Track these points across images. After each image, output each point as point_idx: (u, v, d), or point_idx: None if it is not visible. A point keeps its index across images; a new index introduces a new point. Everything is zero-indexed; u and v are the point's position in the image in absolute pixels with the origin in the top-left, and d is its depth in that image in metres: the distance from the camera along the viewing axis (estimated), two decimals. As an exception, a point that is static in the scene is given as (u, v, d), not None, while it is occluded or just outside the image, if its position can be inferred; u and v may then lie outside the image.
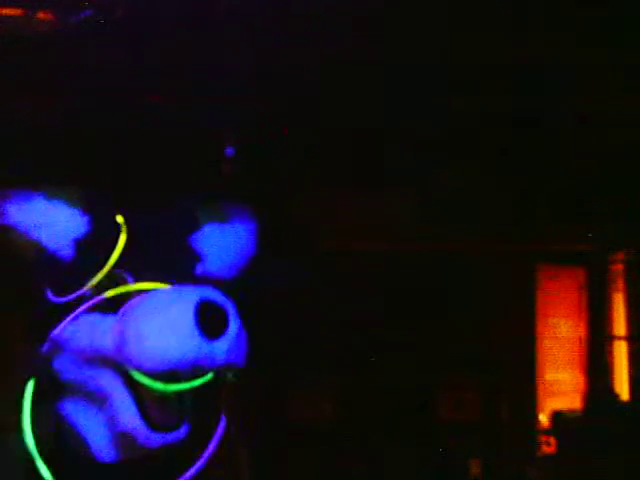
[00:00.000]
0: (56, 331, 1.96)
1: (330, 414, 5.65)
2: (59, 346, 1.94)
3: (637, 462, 5.10)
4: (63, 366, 1.96)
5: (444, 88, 3.67)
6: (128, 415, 1.89)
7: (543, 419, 6.02)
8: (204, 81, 3.38)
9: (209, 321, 1.83)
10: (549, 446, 5.86)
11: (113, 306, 1.94)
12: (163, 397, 1.90)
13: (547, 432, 5.95)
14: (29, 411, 1.95)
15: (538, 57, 3.45)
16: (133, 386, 1.90)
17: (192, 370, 1.83)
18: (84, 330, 1.92)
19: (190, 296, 1.84)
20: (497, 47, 3.38)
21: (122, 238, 2.00)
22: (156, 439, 1.90)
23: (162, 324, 1.81)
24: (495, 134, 4.54)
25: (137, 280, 1.96)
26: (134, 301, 1.90)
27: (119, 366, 1.89)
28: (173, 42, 3.15)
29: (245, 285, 1.99)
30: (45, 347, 1.97)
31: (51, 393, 1.99)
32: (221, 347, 1.84)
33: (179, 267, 2.06)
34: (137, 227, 2.03)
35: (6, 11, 2.98)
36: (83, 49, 3.06)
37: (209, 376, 1.93)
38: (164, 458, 2.00)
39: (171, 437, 1.92)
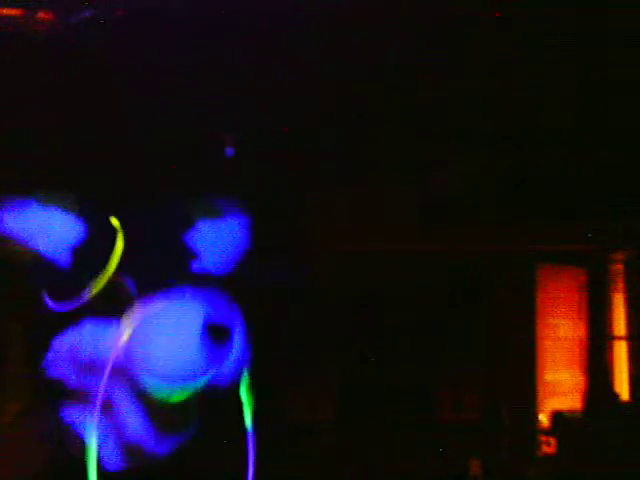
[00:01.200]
0: (59, 338, 1.96)
1: (330, 414, 5.64)
2: (62, 353, 1.94)
3: (637, 462, 5.10)
4: (68, 373, 1.95)
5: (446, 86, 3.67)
6: (136, 424, 1.90)
7: (543, 419, 6.01)
8: (204, 80, 3.38)
9: (214, 338, 1.86)
10: (549, 446, 5.86)
11: (116, 313, 1.94)
12: (169, 404, 1.91)
13: (547, 432, 5.94)
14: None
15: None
16: (139, 394, 1.91)
17: (198, 384, 1.85)
18: (88, 337, 1.93)
19: (196, 315, 1.86)
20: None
21: (119, 244, 2.00)
22: (164, 447, 1.91)
23: (170, 346, 1.84)
24: (496, 135, 4.54)
25: (136, 284, 1.96)
26: (140, 314, 1.90)
27: (125, 374, 1.90)
28: (173, 42, 3.15)
29: (241, 281, 1.99)
30: (49, 354, 1.97)
31: (56, 400, 1.99)
32: (226, 368, 1.87)
33: (176, 266, 2.06)
34: (132, 229, 2.03)
35: (6, 11, 2.98)
36: (83, 49, 3.06)
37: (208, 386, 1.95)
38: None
39: (178, 443, 1.93)
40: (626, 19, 3.36)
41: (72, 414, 2.02)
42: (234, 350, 1.92)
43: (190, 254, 2.16)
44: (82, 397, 2.01)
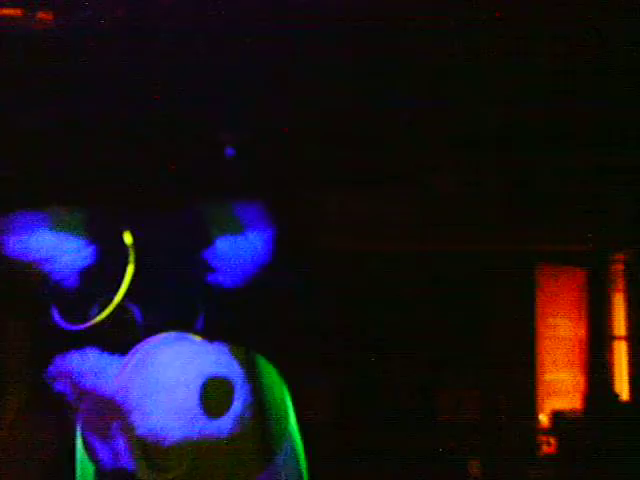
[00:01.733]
0: (62, 358, 1.95)
1: (330, 414, 5.64)
2: (62, 373, 1.93)
3: (637, 462, 5.10)
4: (66, 390, 1.95)
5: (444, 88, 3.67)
6: (129, 458, 1.90)
7: (543, 419, 6.02)
8: (204, 81, 3.38)
9: (214, 398, 1.83)
10: (549, 446, 5.86)
11: (120, 344, 1.91)
12: (162, 449, 1.90)
13: (547, 432, 5.95)
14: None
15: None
16: (134, 430, 1.89)
17: (195, 447, 1.84)
18: (89, 366, 1.91)
19: (196, 373, 1.83)
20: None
21: (130, 269, 1.97)
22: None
23: (166, 406, 1.81)
24: (496, 136, 4.54)
25: (144, 312, 1.93)
26: (140, 366, 1.87)
27: (120, 411, 1.89)
28: (173, 42, 3.15)
29: (256, 292, 1.97)
30: (49, 370, 1.96)
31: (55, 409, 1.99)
32: (225, 424, 1.85)
33: (189, 283, 2.03)
34: (145, 248, 1.99)
35: (6, 11, 2.97)
36: (83, 49, 3.06)
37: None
38: None
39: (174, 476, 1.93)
40: (626, 19, 3.37)
41: (69, 422, 2.02)
42: (236, 404, 1.90)
43: (206, 270, 2.13)
44: (76, 414, 2.00)
